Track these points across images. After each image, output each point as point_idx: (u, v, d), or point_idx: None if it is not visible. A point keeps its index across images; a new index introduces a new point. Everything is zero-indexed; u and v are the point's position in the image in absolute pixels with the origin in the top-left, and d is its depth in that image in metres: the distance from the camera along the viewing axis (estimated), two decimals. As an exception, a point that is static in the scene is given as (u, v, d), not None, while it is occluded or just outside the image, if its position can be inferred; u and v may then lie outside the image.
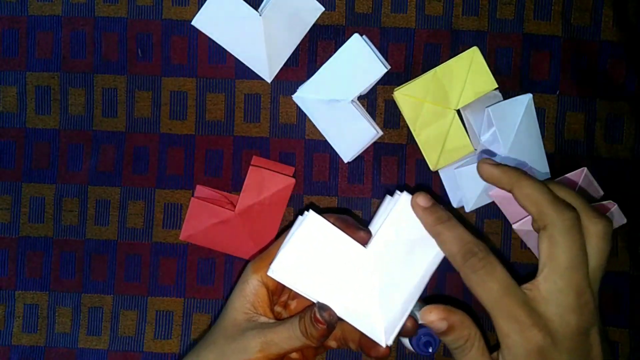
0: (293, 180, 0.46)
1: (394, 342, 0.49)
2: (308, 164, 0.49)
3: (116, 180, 0.50)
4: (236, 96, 0.49)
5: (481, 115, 0.47)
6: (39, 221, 0.50)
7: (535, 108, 0.47)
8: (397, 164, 0.49)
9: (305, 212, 0.37)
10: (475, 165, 0.46)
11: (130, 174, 0.50)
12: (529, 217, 0.45)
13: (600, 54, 0.49)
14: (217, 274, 0.49)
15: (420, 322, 0.43)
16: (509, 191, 0.36)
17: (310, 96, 0.48)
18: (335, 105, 0.47)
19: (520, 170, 0.36)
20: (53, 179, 0.50)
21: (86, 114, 0.50)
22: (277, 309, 0.41)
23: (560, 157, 0.49)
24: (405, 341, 0.43)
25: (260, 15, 0.47)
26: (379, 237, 0.36)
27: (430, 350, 0.42)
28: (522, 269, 0.48)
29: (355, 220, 0.39)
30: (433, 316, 0.35)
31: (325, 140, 0.49)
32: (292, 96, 0.49)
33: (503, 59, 0.49)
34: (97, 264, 0.50)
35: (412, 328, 0.36)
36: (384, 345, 0.35)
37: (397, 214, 0.36)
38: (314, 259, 0.36)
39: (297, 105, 0.49)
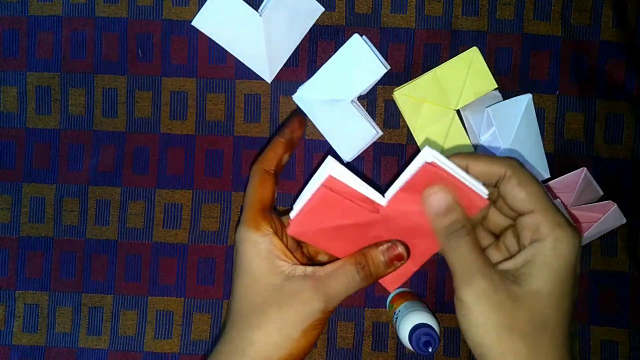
0: (486, 202, 0.32)
1: (394, 342, 0.49)
2: (308, 164, 0.49)
3: (116, 180, 0.50)
4: (236, 96, 0.50)
5: (481, 115, 0.47)
6: (39, 221, 0.50)
7: (535, 108, 0.47)
8: (397, 164, 0.49)
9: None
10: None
11: (130, 174, 0.50)
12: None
13: (600, 54, 0.49)
14: (217, 274, 0.50)
15: (418, 322, 0.43)
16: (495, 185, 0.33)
17: (310, 96, 0.48)
18: (335, 105, 0.47)
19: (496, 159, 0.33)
20: (53, 179, 0.50)
21: (86, 114, 0.50)
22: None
23: (560, 157, 0.49)
24: (405, 341, 0.43)
25: (260, 15, 0.47)
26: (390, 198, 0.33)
27: (430, 350, 0.42)
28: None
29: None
30: (435, 189, 0.32)
31: (325, 140, 0.49)
32: (292, 96, 0.49)
33: (503, 59, 0.49)
34: (97, 264, 0.50)
35: None
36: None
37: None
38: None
39: (297, 105, 0.49)
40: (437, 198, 0.32)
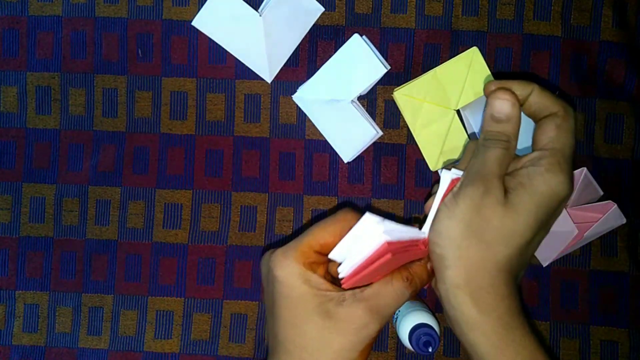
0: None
1: (394, 342, 0.49)
2: (308, 164, 0.49)
3: (116, 180, 0.50)
4: (236, 96, 0.50)
5: (481, 115, 0.47)
6: (39, 221, 0.50)
7: (535, 108, 0.47)
8: (397, 164, 0.49)
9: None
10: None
11: (130, 174, 0.50)
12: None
13: (600, 54, 0.49)
14: (217, 274, 0.50)
15: (418, 322, 0.43)
16: (524, 99, 0.37)
17: (310, 96, 0.48)
18: (335, 105, 0.47)
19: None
20: (53, 179, 0.50)
21: (86, 114, 0.50)
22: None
23: (560, 157, 0.49)
24: (405, 341, 0.43)
25: (260, 15, 0.47)
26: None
27: (430, 350, 0.42)
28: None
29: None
30: (505, 95, 0.36)
31: (325, 140, 0.49)
32: (292, 96, 0.49)
33: (503, 59, 0.49)
34: (97, 264, 0.50)
35: None
36: None
37: None
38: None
39: (297, 105, 0.49)
40: (502, 104, 0.35)
